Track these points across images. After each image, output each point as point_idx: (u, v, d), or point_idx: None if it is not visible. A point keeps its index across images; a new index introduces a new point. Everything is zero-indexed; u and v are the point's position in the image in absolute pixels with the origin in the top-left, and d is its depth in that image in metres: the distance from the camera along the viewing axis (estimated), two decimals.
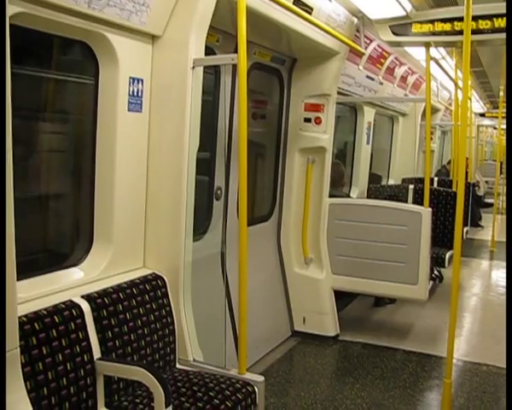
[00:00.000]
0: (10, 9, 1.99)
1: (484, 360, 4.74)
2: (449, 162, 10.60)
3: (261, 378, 3.00)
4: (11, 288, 1.87)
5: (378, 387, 4.22)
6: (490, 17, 4.20)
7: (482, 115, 15.65)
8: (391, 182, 8.79)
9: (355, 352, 4.88)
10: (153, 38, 3.15)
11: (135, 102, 3.08)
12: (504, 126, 11.76)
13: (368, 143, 7.41)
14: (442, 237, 6.62)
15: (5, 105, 1.69)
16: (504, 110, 9.38)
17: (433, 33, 4.60)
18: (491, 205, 12.09)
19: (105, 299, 2.80)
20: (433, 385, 4.32)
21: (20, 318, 2.13)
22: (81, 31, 2.75)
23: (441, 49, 6.22)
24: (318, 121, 4.97)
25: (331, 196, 5.22)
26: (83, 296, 2.72)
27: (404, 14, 4.52)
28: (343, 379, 4.36)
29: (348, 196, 6.77)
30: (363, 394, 4.09)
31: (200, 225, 3.98)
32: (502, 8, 4.09)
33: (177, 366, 3.17)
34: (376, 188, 7.43)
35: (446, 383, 3.60)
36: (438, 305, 5.97)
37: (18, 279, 1.94)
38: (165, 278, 3.20)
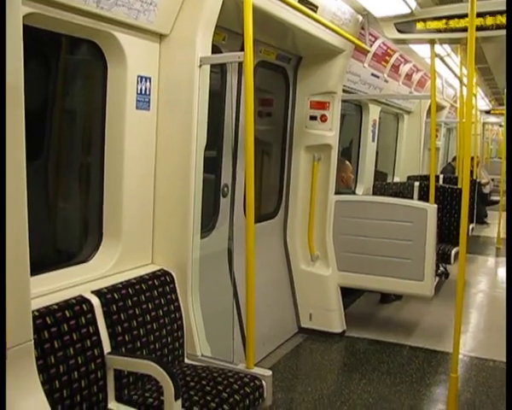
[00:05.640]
0: (22, 10, 2.02)
1: (490, 355, 4.75)
2: (454, 159, 10.59)
3: (269, 373, 3.03)
4: (25, 282, 1.91)
5: (385, 382, 4.25)
6: (494, 14, 4.21)
7: (488, 113, 15.57)
8: (396, 179, 8.80)
9: (361, 348, 4.91)
10: (160, 36, 3.19)
11: (143, 100, 3.12)
12: None
13: (373, 140, 7.42)
14: (448, 234, 6.63)
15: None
16: None
17: (438, 30, 4.62)
18: (496, 202, 12.08)
19: (114, 294, 2.84)
20: (439, 380, 4.35)
21: (32, 312, 2.17)
22: (90, 30, 2.79)
23: (446, 47, 6.22)
24: (324, 119, 4.99)
25: (337, 192, 5.25)
26: (93, 292, 2.76)
27: (408, 11, 4.54)
28: (350, 375, 4.38)
29: (354, 193, 6.79)
30: (370, 388, 4.12)
31: (208, 222, 4.02)
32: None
33: (186, 360, 3.21)
34: (382, 185, 7.44)
35: (452, 378, 3.60)
36: (444, 301, 5.97)
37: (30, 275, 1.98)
38: (173, 274, 3.24)
